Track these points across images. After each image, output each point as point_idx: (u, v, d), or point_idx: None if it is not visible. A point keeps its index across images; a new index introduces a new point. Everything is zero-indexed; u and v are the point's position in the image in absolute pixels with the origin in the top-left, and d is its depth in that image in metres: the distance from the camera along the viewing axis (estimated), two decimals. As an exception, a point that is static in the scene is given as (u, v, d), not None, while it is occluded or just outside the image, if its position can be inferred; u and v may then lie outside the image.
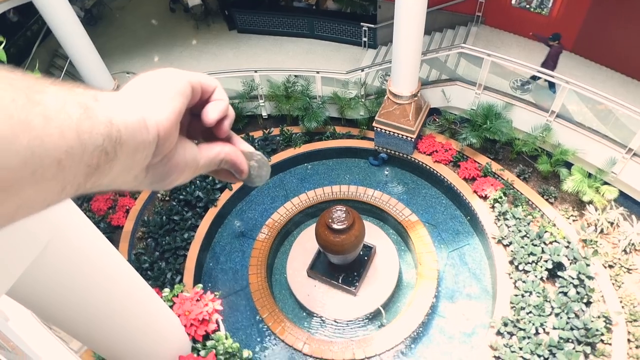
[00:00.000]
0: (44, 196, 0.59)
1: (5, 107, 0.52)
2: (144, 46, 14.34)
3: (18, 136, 0.52)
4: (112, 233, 10.70)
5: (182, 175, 0.83)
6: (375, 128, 11.16)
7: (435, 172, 11.07)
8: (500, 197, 10.05)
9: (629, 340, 8.33)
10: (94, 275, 3.32)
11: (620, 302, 8.70)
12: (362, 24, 13.07)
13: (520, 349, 8.33)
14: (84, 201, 11.28)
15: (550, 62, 10.07)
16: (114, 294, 3.60)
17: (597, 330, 8.15)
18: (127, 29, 15.09)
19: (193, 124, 0.89)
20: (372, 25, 13.05)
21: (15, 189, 0.54)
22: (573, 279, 8.80)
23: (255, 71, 11.95)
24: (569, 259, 9.07)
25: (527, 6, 11.15)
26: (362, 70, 11.78)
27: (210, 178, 11.26)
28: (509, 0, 11.31)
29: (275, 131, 12.25)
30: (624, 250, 9.30)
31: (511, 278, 9.26)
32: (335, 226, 8.54)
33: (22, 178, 0.54)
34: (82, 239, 3.14)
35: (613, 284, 8.92)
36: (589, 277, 8.82)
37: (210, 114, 0.86)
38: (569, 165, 10.01)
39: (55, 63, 13.79)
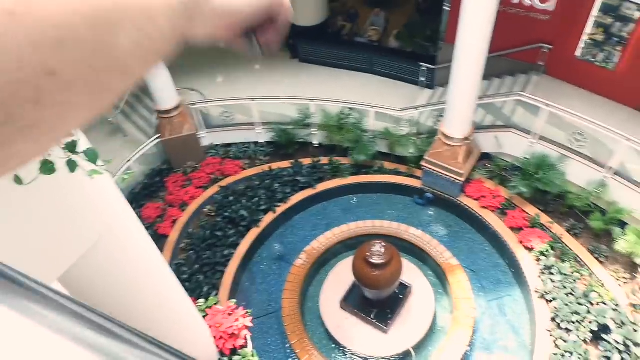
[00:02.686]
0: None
1: None
2: (210, 66, 15.01)
3: None
4: (157, 241, 10.97)
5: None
6: (423, 167, 11.14)
7: (481, 217, 10.87)
8: (547, 251, 9.73)
9: (675, 420, 7.75)
10: (137, 276, 3.51)
11: (669, 376, 8.14)
12: (421, 64, 13.21)
13: (555, 412, 7.92)
14: (135, 207, 11.79)
15: None
16: (153, 297, 3.78)
17: (640, 403, 7.65)
18: (197, 49, 15.86)
19: None
20: (431, 66, 13.15)
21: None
22: (618, 343, 8.33)
23: (312, 100, 12.28)
24: (615, 323, 8.61)
25: (592, 60, 10.96)
26: (417, 109, 11.87)
27: (256, 199, 11.51)
28: (573, 53, 11.16)
29: (324, 160, 12.45)
30: (677, 321, 8.74)
31: (552, 336, 8.87)
32: (372, 260, 8.53)
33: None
34: (131, 240, 3.34)
35: (662, 355, 8.37)
36: (636, 344, 8.32)
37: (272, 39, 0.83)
38: (623, 224, 9.61)
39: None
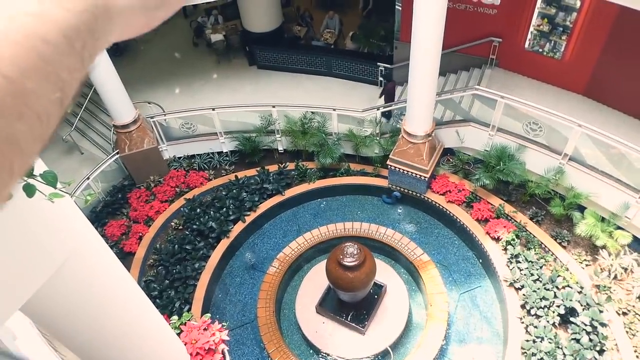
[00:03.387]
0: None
1: None
2: (167, 78, 14.79)
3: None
4: (123, 259, 10.76)
5: None
6: (389, 166, 11.26)
7: (448, 212, 11.05)
8: (513, 240, 9.98)
9: (644, 393, 8.06)
10: (106, 297, 3.39)
11: (635, 351, 8.45)
12: (378, 64, 13.37)
13: (532, 396, 8.11)
14: (98, 226, 11.45)
15: (388, 97, 12.33)
16: (123, 317, 3.66)
17: (611, 380, 7.92)
18: (151, 61, 15.61)
19: None
20: (389, 66, 13.33)
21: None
22: (586, 325, 8.62)
23: (273, 106, 12.23)
24: (581, 305, 8.91)
25: (540, 50, 11.34)
26: (378, 109, 11.99)
27: (224, 209, 11.36)
28: (522, 44, 11.52)
29: (291, 166, 12.42)
30: (639, 297, 9.10)
31: (522, 322, 9.09)
32: (346, 263, 8.54)
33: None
34: (98, 261, 3.23)
35: (627, 332, 8.69)
36: (602, 324, 8.63)
37: None
38: (582, 209, 9.96)
39: (80, 90, 14.23)
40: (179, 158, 12.86)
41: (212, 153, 12.86)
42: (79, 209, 3.01)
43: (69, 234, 2.79)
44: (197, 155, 12.86)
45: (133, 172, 12.22)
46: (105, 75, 10.67)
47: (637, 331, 8.74)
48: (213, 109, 12.19)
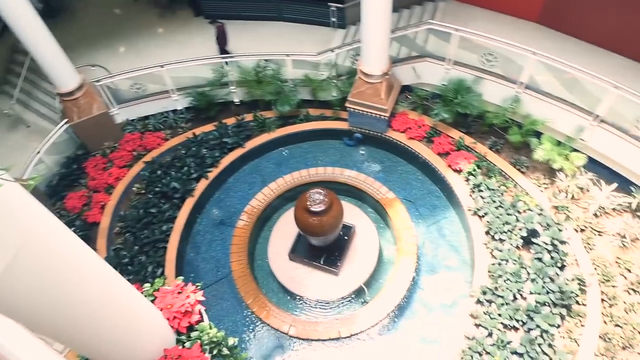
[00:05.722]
0: None
1: None
2: (109, 37, 13.98)
3: None
4: (88, 230, 10.56)
5: None
6: (348, 108, 11.18)
7: (409, 148, 11.17)
8: (474, 170, 10.23)
9: (602, 300, 8.64)
10: (69, 276, 3.30)
11: (593, 263, 9.00)
12: (329, 4, 12.96)
13: (500, 315, 8.59)
14: (57, 200, 11.10)
15: (220, 39, 12.52)
16: (92, 294, 3.59)
17: (571, 292, 8.45)
18: (90, 21, 14.67)
19: None
20: (340, 5, 12.95)
21: None
22: (547, 244, 9.06)
23: (224, 57, 11.79)
24: (542, 226, 9.32)
25: (492, -22, 11.21)
26: (333, 51, 11.73)
27: (186, 168, 11.14)
28: (474, -27, 11.34)
29: (249, 117, 12.18)
30: (594, 214, 9.59)
31: (488, 248, 9.49)
32: (313, 208, 8.60)
33: None
34: (55, 241, 3.12)
35: (585, 247, 9.21)
36: (562, 242, 9.10)
37: None
38: (539, 135, 10.21)
39: (16, 59, 13.35)
40: (132, 120, 12.40)
41: (167, 112, 12.44)
42: (28, 193, 2.86)
43: (19, 220, 2.66)
44: (151, 115, 12.43)
45: (86, 140, 11.74)
46: (40, 40, 9.96)
47: (594, 245, 9.27)
48: (162, 66, 11.66)
